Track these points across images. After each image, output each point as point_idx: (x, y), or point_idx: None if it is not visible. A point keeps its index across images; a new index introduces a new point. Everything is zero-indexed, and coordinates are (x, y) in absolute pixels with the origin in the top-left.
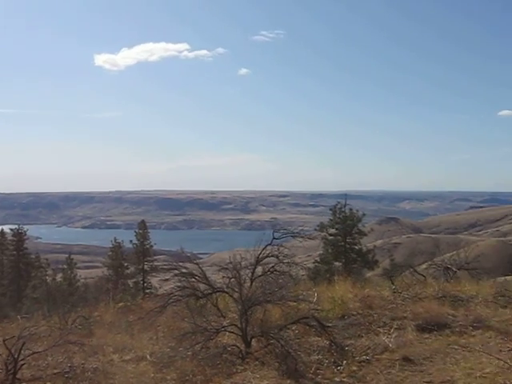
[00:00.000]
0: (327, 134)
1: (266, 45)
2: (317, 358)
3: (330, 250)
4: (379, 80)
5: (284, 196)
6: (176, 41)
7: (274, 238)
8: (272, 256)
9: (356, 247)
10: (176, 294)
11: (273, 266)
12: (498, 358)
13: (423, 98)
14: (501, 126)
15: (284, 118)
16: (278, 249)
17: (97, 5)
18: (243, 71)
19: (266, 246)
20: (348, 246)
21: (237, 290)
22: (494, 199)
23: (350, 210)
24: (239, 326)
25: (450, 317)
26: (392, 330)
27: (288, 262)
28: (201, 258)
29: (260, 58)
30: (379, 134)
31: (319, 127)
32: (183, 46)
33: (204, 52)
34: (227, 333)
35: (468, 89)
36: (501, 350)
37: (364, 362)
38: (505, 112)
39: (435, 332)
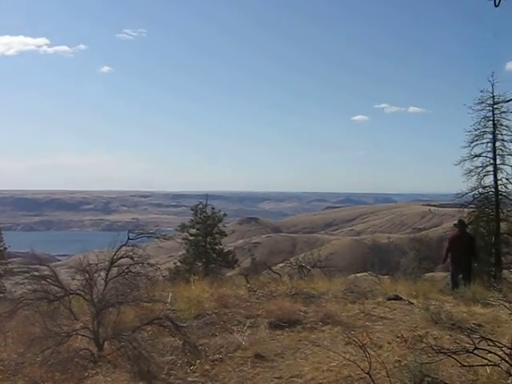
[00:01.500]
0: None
1: (129, 43)
2: (170, 358)
3: (191, 251)
4: (233, 86)
5: (146, 196)
6: (35, 35)
7: (128, 239)
8: (127, 257)
9: (217, 247)
10: (27, 297)
11: (127, 267)
12: (344, 352)
13: (281, 105)
14: (355, 131)
15: (153, 117)
16: (133, 250)
17: None
18: (106, 69)
19: (121, 246)
20: (209, 246)
21: (91, 292)
22: (349, 200)
23: (212, 209)
24: (91, 328)
25: (301, 313)
26: (245, 328)
27: (142, 263)
28: (59, 260)
29: (123, 55)
30: (236, 138)
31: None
32: (43, 40)
33: (64, 48)
34: (80, 336)
35: (323, 94)
36: (348, 344)
37: (217, 360)
38: (358, 117)
39: (287, 329)
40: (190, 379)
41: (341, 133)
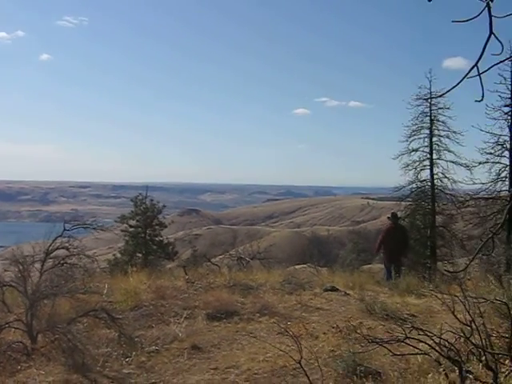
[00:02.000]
0: (129, 124)
1: (70, 30)
2: (106, 350)
3: (130, 242)
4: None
5: (85, 187)
6: None
7: (64, 230)
8: (63, 248)
9: (157, 239)
10: None
11: (63, 259)
12: (280, 343)
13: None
14: (296, 124)
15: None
16: (69, 241)
17: None
18: (45, 56)
19: (56, 237)
20: (149, 237)
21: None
22: (290, 192)
23: (151, 201)
24: (25, 321)
25: (239, 304)
26: (182, 320)
27: (78, 254)
28: None
29: (63, 43)
30: (180, 127)
31: (124, 117)
32: None
33: (2, 34)
34: (13, 329)
35: (266, 88)
36: (284, 335)
37: (153, 352)
38: (299, 110)
39: (224, 320)
40: (125, 371)
41: (282, 126)
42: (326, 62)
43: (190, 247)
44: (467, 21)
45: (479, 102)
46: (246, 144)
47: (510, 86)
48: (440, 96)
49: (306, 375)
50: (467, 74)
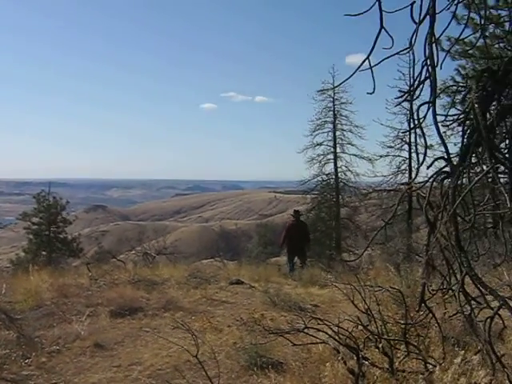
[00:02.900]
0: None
1: None
2: (4, 352)
3: (34, 240)
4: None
5: None
6: None
7: None
8: None
9: (61, 236)
10: None
11: None
12: (184, 338)
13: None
14: (203, 119)
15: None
16: None
17: None
18: None
19: None
20: (53, 234)
21: None
22: (198, 187)
23: (54, 198)
24: None
25: (143, 300)
26: (85, 318)
27: None
28: None
29: None
30: (82, 123)
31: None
32: None
33: None
34: None
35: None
36: (187, 330)
37: (54, 352)
38: (207, 105)
39: (128, 316)
40: (24, 373)
41: (189, 121)
42: (232, 58)
43: (97, 244)
44: (358, 15)
45: (371, 94)
46: (153, 139)
47: (408, 82)
48: (334, 88)
49: (203, 368)
50: (359, 66)
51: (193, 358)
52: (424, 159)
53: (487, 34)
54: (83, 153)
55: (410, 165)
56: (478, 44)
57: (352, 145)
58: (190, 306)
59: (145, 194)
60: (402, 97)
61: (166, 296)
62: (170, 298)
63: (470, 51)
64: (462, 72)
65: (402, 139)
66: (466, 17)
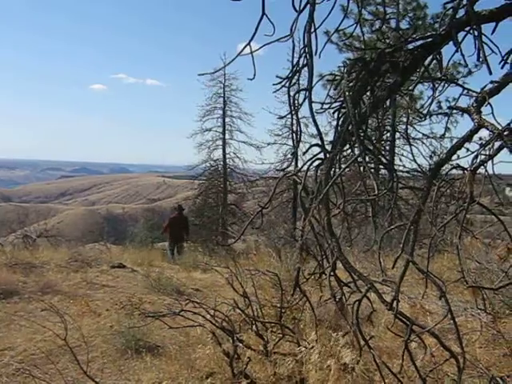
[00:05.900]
0: None
1: None
2: None
3: None
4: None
5: None
6: None
7: None
8: None
9: None
10: None
11: None
12: (60, 322)
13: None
14: (92, 99)
15: None
16: None
17: None
18: None
19: None
20: None
21: None
22: (85, 169)
23: None
24: None
25: (20, 284)
26: None
27: None
28: None
29: None
30: None
31: None
32: None
33: None
34: None
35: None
36: (64, 313)
37: None
38: (96, 86)
39: (3, 300)
40: None
41: (77, 101)
42: (124, 37)
43: None
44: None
45: (251, 80)
46: (39, 117)
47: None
48: (215, 72)
49: (72, 352)
50: (240, 52)
51: (69, 342)
52: (298, 145)
53: (374, 29)
54: None
55: (296, 153)
56: (357, 35)
57: (241, 132)
58: (69, 289)
59: (28, 175)
60: (280, 83)
61: (44, 279)
62: (48, 281)
63: (354, 43)
64: None
65: (289, 128)
66: (346, 7)
